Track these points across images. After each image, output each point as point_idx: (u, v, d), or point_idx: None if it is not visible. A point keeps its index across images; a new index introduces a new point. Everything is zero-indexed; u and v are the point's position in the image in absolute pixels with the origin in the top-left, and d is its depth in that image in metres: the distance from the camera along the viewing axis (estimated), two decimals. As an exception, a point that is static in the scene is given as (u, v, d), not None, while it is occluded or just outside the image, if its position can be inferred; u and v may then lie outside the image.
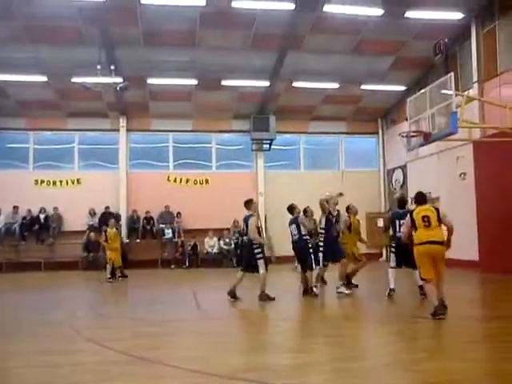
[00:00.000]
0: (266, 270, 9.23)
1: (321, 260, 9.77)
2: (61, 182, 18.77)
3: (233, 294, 9.23)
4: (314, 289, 9.58)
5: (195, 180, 19.48)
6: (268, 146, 19.67)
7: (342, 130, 20.62)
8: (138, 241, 18.42)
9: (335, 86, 17.66)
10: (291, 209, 9.87)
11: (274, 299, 9.05)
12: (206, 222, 18.59)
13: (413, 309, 8.39)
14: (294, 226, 9.70)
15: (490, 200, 13.21)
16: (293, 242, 9.80)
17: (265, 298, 9.08)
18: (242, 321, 8.19)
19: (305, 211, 10.44)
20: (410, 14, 13.77)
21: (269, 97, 18.31)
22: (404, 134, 12.87)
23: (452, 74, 11.47)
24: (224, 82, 17.06)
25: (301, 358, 5.25)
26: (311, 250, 9.64)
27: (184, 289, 12.05)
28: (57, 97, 17.61)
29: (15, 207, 18.02)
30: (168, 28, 14.35)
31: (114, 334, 6.77)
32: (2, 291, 12.36)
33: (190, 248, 18.34)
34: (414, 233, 7.29)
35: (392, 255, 9.41)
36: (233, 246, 18.32)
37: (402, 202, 9.70)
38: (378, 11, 13.63)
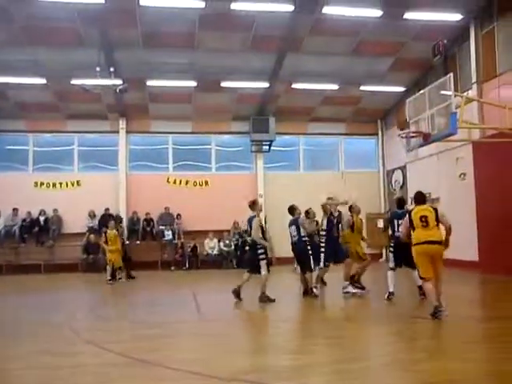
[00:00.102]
0: (268, 271, 9.24)
1: (322, 261, 9.77)
2: (60, 184, 18.73)
3: (237, 294, 9.25)
4: (314, 290, 9.60)
5: (195, 181, 19.47)
6: (267, 147, 19.65)
7: (342, 131, 20.61)
8: (138, 242, 18.38)
9: (334, 87, 17.66)
10: (292, 210, 9.87)
11: (274, 301, 9.05)
12: (206, 224, 18.57)
13: (412, 309, 8.40)
14: (293, 227, 9.72)
15: (490, 200, 13.21)
16: (292, 243, 9.81)
17: (265, 299, 9.09)
18: (242, 322, 8.19)
19: (307, 212, 10.44)
20: (408, 15, 13.78)
21: (268, 98, 18.32)
22: (403, 135, 12.86)
23: (451, 74, 11.48)
24: (223, 84, 17.06)
25: (301, 360, 5.26)
26: (310, 252, 9.63)
27: (184, 290, 12.03)
28: (56, 99, 17.61)
29: (15, 209, 17.98)
30: (167, 30, 14.35)
31: (113, 335, 6.77)
32: (1, 293, 12.34)
33: (189, 249, 18.30)
34: (412, 233, 7.31)
35: (390, 255, 9.42)
36: (233, 247, 18.32)
37: (401, 203, 9.73)
38: (376, 12, 13.63)
